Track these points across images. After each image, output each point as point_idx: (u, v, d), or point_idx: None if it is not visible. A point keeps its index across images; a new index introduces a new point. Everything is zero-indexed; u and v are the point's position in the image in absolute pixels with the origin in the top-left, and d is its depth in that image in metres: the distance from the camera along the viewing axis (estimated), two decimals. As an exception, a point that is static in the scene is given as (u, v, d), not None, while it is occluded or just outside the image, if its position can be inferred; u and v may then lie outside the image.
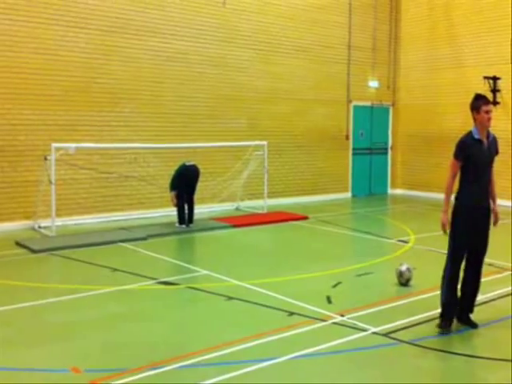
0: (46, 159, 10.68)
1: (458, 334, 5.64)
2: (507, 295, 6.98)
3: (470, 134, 5.81)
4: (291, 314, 6.31)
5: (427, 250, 9.61)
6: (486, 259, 8.44)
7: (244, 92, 14.41)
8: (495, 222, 5.90)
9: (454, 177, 5.74)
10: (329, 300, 6.80)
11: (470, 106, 5.96)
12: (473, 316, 5.92)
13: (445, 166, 16.09)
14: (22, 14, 11.12)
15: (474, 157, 5.67)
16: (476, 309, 6.23)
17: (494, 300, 6.77)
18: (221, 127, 13.98)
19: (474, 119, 5.84)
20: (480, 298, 6.69)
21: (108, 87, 12.25)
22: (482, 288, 7.02)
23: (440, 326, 5.71)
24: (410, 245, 10.04)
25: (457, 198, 5.76)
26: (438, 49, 16.51)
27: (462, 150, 5.71)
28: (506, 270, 8.08)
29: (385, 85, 17.46)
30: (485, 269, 8.00)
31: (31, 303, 6.69)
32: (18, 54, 11.14)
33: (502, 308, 6.52)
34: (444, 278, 5.87)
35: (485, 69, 15.16)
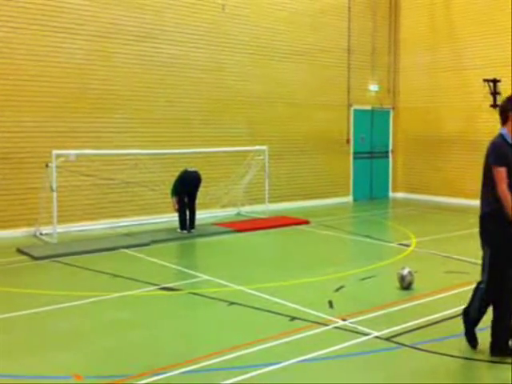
0: (47, 166, 10.69)
1: (458, 338, 5.62)
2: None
3: (501, 137, 5.23)
4: (293, 318, 6.30)
5: (429, 253, 9.61)
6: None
7: (244, 97, 14.43)
8: None
9: (508, 186, 5.05)
10: (331, 304, 6.80)
11: (503, 106, 5.33)
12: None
13: (446, 169, 16.24)
14: (20, 21, 11.15)
15: (510, 163, 5.10)
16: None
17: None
18: (221, 132, 14.00)
19: (505, 122, 5.26)
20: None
21: (106, 93, 12.27)
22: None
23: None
24: (411, 248, 10.03)
25: (492, 210, 5.17)
26: (437, 52, 16.52)
27: (504, 155, 5.10)
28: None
29: (385, 88, 17.48)
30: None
31: (32, 310, 6.69)
32: (16, 61, 11.17)
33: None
34: (483, 300, 5.32)
35: (485, 71, 15.17)
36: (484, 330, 5.40)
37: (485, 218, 5.25)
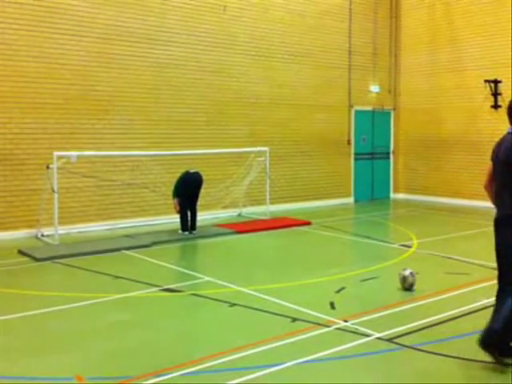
0: (48, 168, 10.70)
1: (460, 339, 5.63)
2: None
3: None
4: (295, 319, 6.30)
5: (430, 254, 9.60)
6: (490, 263, 8.45)
7: (245, 98, 14.44)
8: None
9: None
10: (332, 306, 6.79)
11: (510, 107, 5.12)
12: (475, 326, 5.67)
13: (447, 169, 16.23)
14: (22, 23, 11.16)
15: None
16: (478, 313, 6.22)
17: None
18: (222, 134, 14.01)
19: None
20: (483, 301, 6.68)
21: (108, 95, 12.29)
22: (484, 292, 7.04)
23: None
24: (412, 249, 10.03)
25: None
26: (438, 53, 16.53)
27: None
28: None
29: (386, 89, 17.49)
30: (488, 273, 8.01)
31: (34, 312, 6.69)
32: (19, 62, 11.18)
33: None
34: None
35: (486, 72, 15.18)
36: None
37: (505, 220, 5.04)
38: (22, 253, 9.79)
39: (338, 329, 6.01)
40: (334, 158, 16.36)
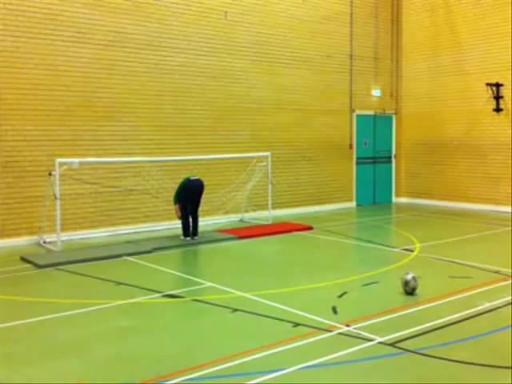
0: (50, 174, 10.71)
1: (463, 343, 5.61)
2: (513, 302, 6.94)
3: None
4: (297, 324, 6.29)
5: (432, 258, 9.58)
6: (492, 266, 8.44)
7: (246, 103, 14.46)
8: None
9: None
10: (334, 310, 6.78)
11: None
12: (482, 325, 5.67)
13: (449, 173, 16.22)
14: (24, 30, 11.20)
15: None
16: (482, 316, 6.20)
17: (499, 308, 6.73)
18: (224, 139, 14.02)
19: None
20: (486, 305, 6.66)
21: (110, 101, 12.31)
22: (488, 295, 7.02)
23: None
24: (415, 253, 10.01)
25: None
26: (440, 56, 16.54)
27: None
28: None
29: (387, 93, 17.50)
30: (491, 277, 8.01)
31: (36, 318, 6.69)
32: (20, 69, 11.20)
33: (508, 316, 6.46)
34: None
35: (488, 75, 15.18)
36: (490, 334, 5.38)
37: None
38: (24, 260, 9.80)
39: (340, 334, 5.99)
40: (335, 163, 16.36)
